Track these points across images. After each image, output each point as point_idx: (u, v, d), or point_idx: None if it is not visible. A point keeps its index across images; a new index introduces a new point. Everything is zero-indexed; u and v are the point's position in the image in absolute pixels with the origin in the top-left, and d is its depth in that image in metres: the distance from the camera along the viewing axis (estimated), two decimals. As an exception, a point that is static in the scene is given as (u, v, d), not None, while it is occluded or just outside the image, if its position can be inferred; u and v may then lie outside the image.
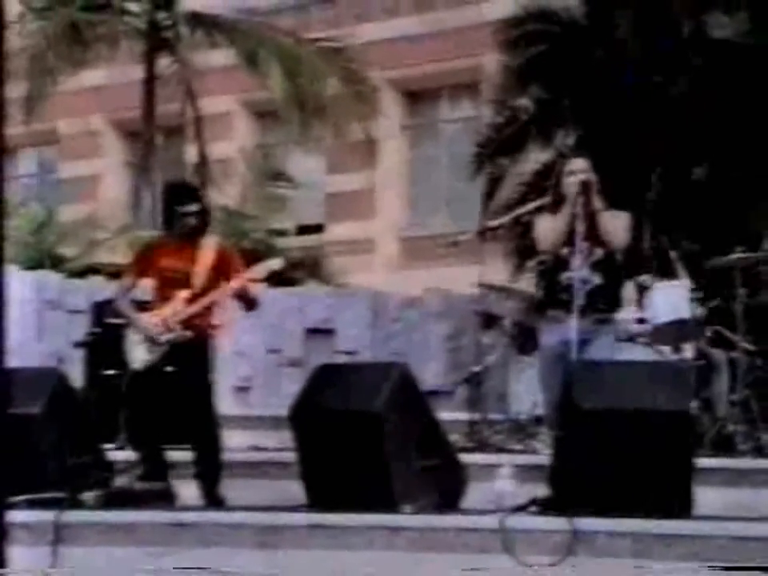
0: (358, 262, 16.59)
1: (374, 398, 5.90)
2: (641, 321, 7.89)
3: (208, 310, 6.77)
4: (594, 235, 6.93)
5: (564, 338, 6.79)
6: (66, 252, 14.00)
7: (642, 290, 7.97)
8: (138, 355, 6.75)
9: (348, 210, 17.86)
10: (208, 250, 6.82)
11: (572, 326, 6.72)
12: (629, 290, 7.48)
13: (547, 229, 7.04)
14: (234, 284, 6.69)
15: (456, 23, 17.05)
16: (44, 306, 10.78)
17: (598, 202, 6.97)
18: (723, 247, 8.16)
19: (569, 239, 6.92)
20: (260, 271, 6.80)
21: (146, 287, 7.00)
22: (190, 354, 6.70)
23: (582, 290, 6.82)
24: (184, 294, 6.74)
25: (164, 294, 6.81)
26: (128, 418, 6.95)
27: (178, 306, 6.73)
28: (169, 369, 6.69)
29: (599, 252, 6.95)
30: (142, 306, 6.93)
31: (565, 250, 6.95)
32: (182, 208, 6.78)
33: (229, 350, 8.94)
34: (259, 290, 6.98)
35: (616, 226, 6.99)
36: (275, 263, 6.88)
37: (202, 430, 6.72)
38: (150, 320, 6.73)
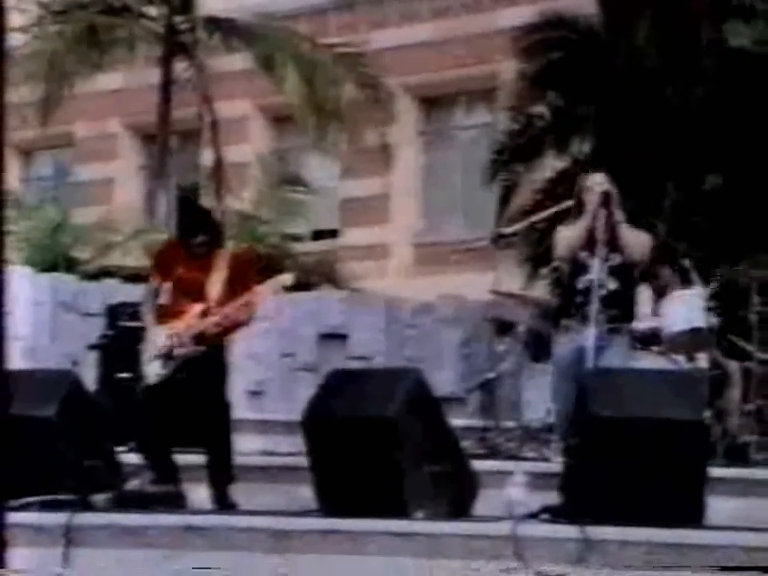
0: (372, 268, 16.59)
1: (386, 403, 5.90)
2: (655, 329, 7.88)
3: (221, 321, 6.73)
4: (613, 245, 6.96)
5: (577, 348, 6.79)
6: (81, 255, 14.03)
7: (657, 296, 7.95)
8: (152, 369, 6.73)
9: (362, 215, 17.86)
10: (223, 259, 6.80)
11: (586, 334, 6.73)
12: (643, 297, 7.47)
13: (566, 237, 7.07)
14: (246, 300, 6.66)
15: (472, 30, 17.04)
16: (58, 308, 10.81)
17: (618, 214, 7.00)
18: (738, 256, 8.15)
19: (587, 245, 6.95)
20: (271, 287, 6.79)
21: (165, 290, 6.96)
22: (204, 364, 6.68)
23: (598, 295, 6.84)
24: (198, 307, 6.71)
25: (178, 303, 6.77)
26: (141, 429, 6.89)
27: (192, 320, 6.70)
28: (182, 376, 6.68)
29: (617, 257, 6.97)
30: (160, 310, 6.88)
31: (583, 254, 6.97)
32: (192, 238, 6.77)
33: (242, 354, 8.95)
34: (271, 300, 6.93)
35: (637, 240, 7.02)
36: (287, 279, 6.85)
37: (215, 434, 6.72)
38: (163, 334, 6.70)
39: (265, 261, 12.21)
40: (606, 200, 6.96)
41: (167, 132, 15.69)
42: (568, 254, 7.05)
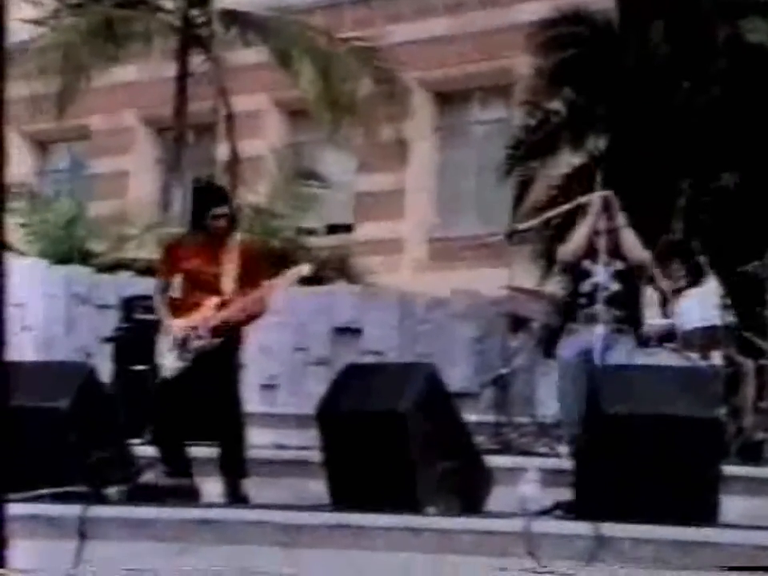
0: (386, 263, 16.57)
1: (399, 398, 5.89)
2: (669, 327, 7.86)
3: (237, 313, 6.74)
4: (614, 250, 7.00)
5: (580, 349, 6.83)
6: (96, 247, 14.05)
7: (664, 295, 7.94)
8: (168, 362, 6.73)
9: (377, 210, 17.85)
10: (235, 251, 6.79)
11: (592, 335, 6.74)
12: (649, 295, 7.48)
13: (569, 243, 7.13)
14: (263, 292, 6.67)
15: (488, 25, 17.01)
16: (72, 300, 10.82)
17: (620, 219, 7.04)
18: (753, 253, 8.11)
19: (589, 251, 6.99)
20: (290, 277, 6.79)
21: (177, 283, 6.97)
22: (219, 357, 6.69)
23: (602, 297, 6.87)
24: (214, 300, 6.70)
25: (192, 295, 6.77)
26: (155, 422, 6.90)
27: (208, 312, 6.69)
28: (198, 368, 6.68)
29: (619, 264, 7.03)
30: (173, 303, 6.89)
31: (587, 262, 7.02)
32: (211, 210, 6.76)
33: (255, 348, 8.95)
34: (283, 293, 6.95)
35: (638, 244, 7.06)
36: (305, 269, 6.86)
37: (229, 428, 6.73)
38: (180, 326, 6.71)
39: (278, 254, 12.21)
40: (606, 204, 7.00)
41: (183, 125, 15.69)
42: (571, 260, 7.09)
